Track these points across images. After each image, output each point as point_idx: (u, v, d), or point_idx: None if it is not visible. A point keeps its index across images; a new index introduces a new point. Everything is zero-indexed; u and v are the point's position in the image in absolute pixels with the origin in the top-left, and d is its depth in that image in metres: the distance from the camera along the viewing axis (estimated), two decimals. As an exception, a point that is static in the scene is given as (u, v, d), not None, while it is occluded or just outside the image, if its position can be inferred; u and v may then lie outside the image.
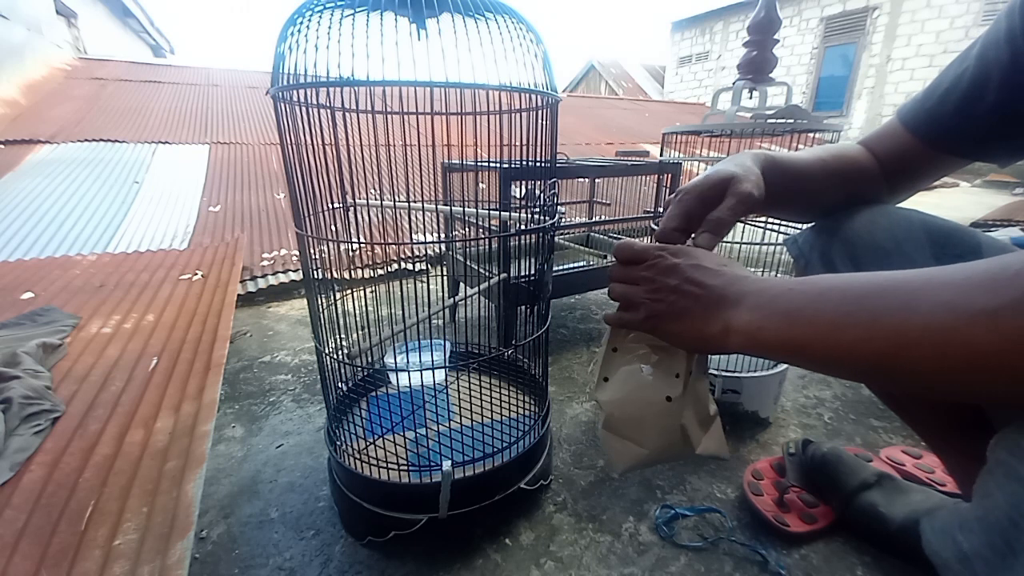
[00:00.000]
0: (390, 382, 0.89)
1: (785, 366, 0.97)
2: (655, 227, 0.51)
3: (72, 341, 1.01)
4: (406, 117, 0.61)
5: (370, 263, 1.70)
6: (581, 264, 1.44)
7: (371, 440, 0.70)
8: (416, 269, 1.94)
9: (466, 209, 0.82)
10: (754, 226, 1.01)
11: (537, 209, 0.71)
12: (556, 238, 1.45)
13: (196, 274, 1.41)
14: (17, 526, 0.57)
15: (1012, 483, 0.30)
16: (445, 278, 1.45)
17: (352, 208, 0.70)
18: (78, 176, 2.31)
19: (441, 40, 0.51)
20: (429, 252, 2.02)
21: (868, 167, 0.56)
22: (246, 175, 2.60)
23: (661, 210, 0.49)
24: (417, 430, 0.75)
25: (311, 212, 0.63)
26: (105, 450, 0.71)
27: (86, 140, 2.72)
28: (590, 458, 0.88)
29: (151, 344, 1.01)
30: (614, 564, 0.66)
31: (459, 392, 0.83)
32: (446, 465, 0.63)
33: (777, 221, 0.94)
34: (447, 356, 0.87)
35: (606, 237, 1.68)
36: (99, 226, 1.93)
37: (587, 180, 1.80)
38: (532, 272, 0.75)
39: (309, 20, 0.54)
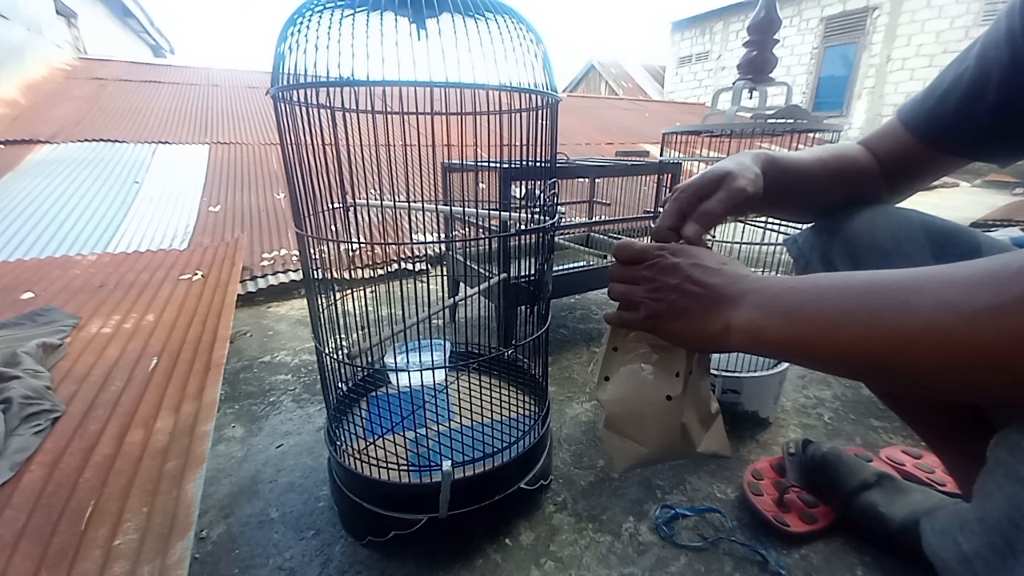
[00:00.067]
0: (390, 382, 0.89)
1: (785, 366, 0.97)
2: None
3: (72, 341, 1.01)
4: (406, 117, 0.61)
5: (370, 263, 1.70)
6: (581, 264, 1.44)
7: (371, 440, 0.70)
8: (416, 269, 1.94)
9: (466, 209, 0.82)
10: (754, 226, 1.01)
11: (537, 209, 0.71)
12: (556, 238, 1.45)
13: (196, 274, 1.41)
14: (17, 526, 0.57)
15: (1012, 484, 0.30)
16: (445, 278, 1.45)
17: (352, 208, 0.70)
18: (78, 176, 2.31)
19: (441, 40, 0.51)
20: (429, 252, 2.02)
21: (868, 167, 0.56)
22: (246, 175, 2.60)
23: (660, 210, 0.49)
24: (417, 430, 0.75)
25: (311, 212, 0.63)
26: (105, 450, 0.71)
27: (86, 140, 2.72)
28: (590, 458, 0.88)
29: (151, 344, 1.01)
30: (614, 564, 0.66)
31: (459, 392, 0.83)
32: (446, 465, 0.63)
33: (777, 221, 0.94)
34: (447, 356, 0.87)
35: (606, 237, 1.68)
36: (99, 226, 1.93)
37: (587, 180, 1.80)
38: (532, 272, 0.75)
39: (309, 20, 0.54)
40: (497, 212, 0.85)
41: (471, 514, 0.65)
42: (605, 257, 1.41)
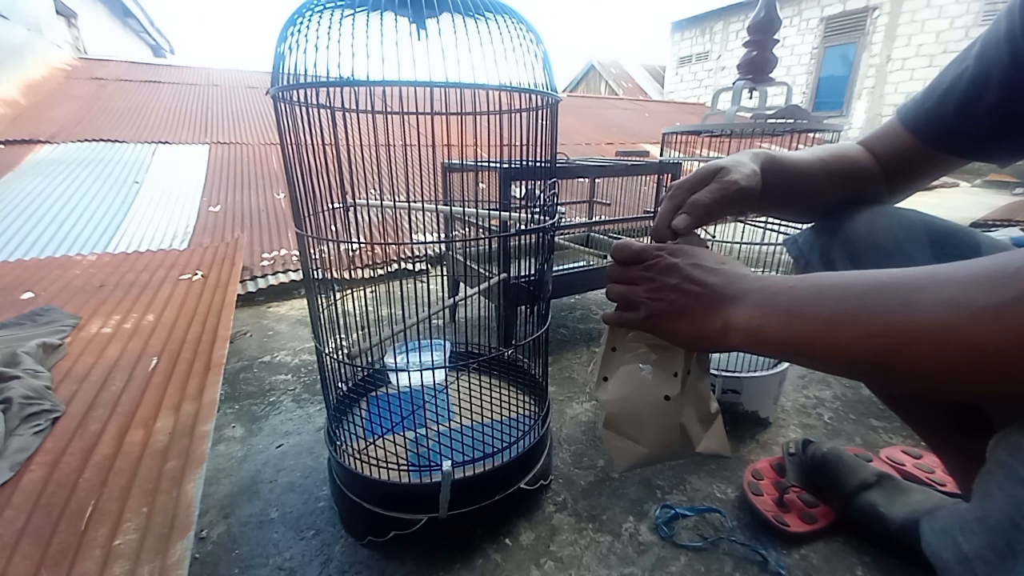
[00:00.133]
0: (390, 382, 0.89)
1: (785, 366, 0.97)
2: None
3: (72, 341, 1.01)
4: (406, 117, 0.61)
5: (370, 263, 1.70)
6: (581, 264, 1.44)
7: (371, 440, 0.70)
8: (416, 269, 1.94)
9: (466, 209, 0.82)
10: (754, 226, 1.01)
11: (537, 209, 0.71)
12: (556, 238, 1.45)
13: (196, 274, 1.41)
14: (17, 526, 0.57)
15: (1012, 484, 0.30)
16: (445, 278, 1.45)
17: (352, 208, 0.70)
18: (78, 176, 2.31)
19: (441, 40, 0.51)
20: (429, 252, 2.02)
21: (868, 167, 0.56)
22: (246, 175, 2.60)
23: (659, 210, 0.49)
24: (417, 430, 0.75)
25: (311, 212, 0.63)
26: (105, 450, 0.71)
27: (86, 140, 2.72)
28: (590, 458, 0.88)
29: (151, 344, 1.01)
30: (614, 564, 0.66)
31: (459, 392, 0.83)
32: (446, 465, 0.63)
33: (777, 221, 0.94)
34: (447, 356, 0.87)
35: (606, 237, 1.68)
36: (99, 226, 1.93)
37: (587, 180, 1.80)
38: (532, 272, 0.75)
39: (309, 20, 0.54)
40: (497, 212, 0.85)
41: (471, 514, 0.65)
42: (605, 257, 1.41)
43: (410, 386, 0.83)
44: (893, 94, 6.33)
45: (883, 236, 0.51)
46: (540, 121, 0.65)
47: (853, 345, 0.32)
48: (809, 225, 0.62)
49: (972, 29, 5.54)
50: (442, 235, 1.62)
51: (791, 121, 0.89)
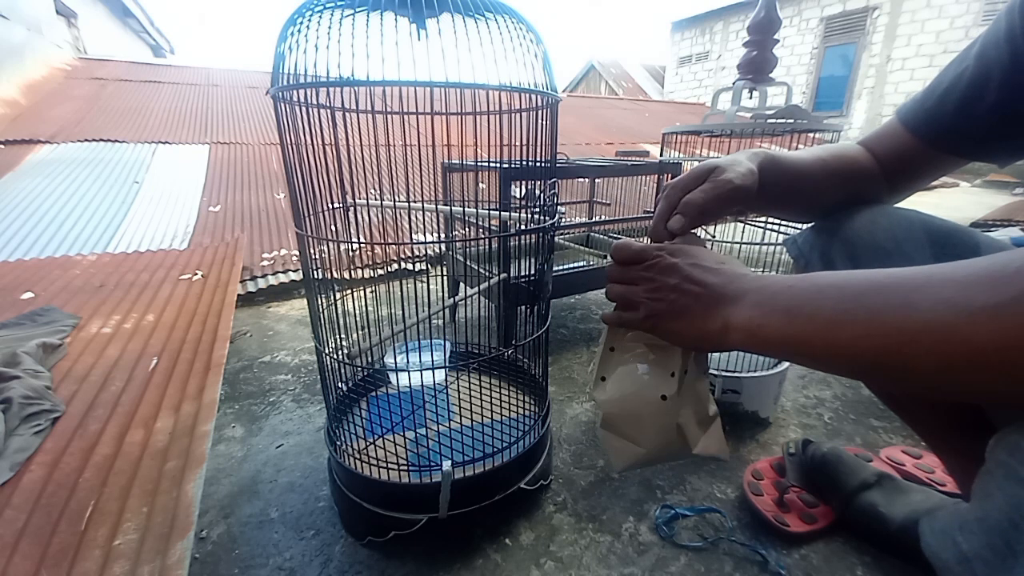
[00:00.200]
0: (390, 382, 0.89)
1: (785, 366, 0.97)
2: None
3: (72, 341, 1.01)
4: (406, 117, 0.61)
5: (370, 263, 1.70)
6: (581, 264, 1.44)
7: (371, 440, 0.70)
8: (416, 269, 1.94)
9: (466, 209, 0.82)
10: (754, 226, 1.01)
11: (537, 209, 0.71)
12: (556, 238, 1.45)
13: (196, 274, 1.41)
14: (17, 526, 0.57)
15: (1012, 484, 0.30)
16: (445, 278, 1.45)
17: (352, 208, 0.70)
18: (78, 176, 2.31)
19: (441, 40, 0.51)
20: (429, 252, 2.02)
21: (868, 167, 0.56)
22: (246, 175, 2.60)
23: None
24: (417, 430, 0.75)
25: (311, 212, 0.63)
26: (105, 450, 0.71)
27: (86, 140, 2.72)
28: (590, 458, 0.88)
29: (151, 344, 1.01)
30: (614, 564, 0.66)
31: (459, 392, 0.83)
32: (446, 465, 0.63)
33: (777, 221, 0.94)
34: (447, 356, 0.87)
35: (606, 237, 1.68)
36: (99, 226, 1.93)
37: (587, 180, 1.80)
38: (532, 272, 0.75)
39: (309, 20, 0.54)
40: (497, 212, 0.85)
41: (471, 514, 0.65)
42: (605, 257, 1.41)
43: (410, 386, 0.83)
44: (893, 94, 6.33)
45: (883, 236, 0.51)
46: (540, 121, 0.65)
47: (853, 344, 0.32)
48: (809, 225, 0.62)
49: (972, 29, 5.54)
50: (442, 235, 1.62)
51: (791, 121, 0.89)
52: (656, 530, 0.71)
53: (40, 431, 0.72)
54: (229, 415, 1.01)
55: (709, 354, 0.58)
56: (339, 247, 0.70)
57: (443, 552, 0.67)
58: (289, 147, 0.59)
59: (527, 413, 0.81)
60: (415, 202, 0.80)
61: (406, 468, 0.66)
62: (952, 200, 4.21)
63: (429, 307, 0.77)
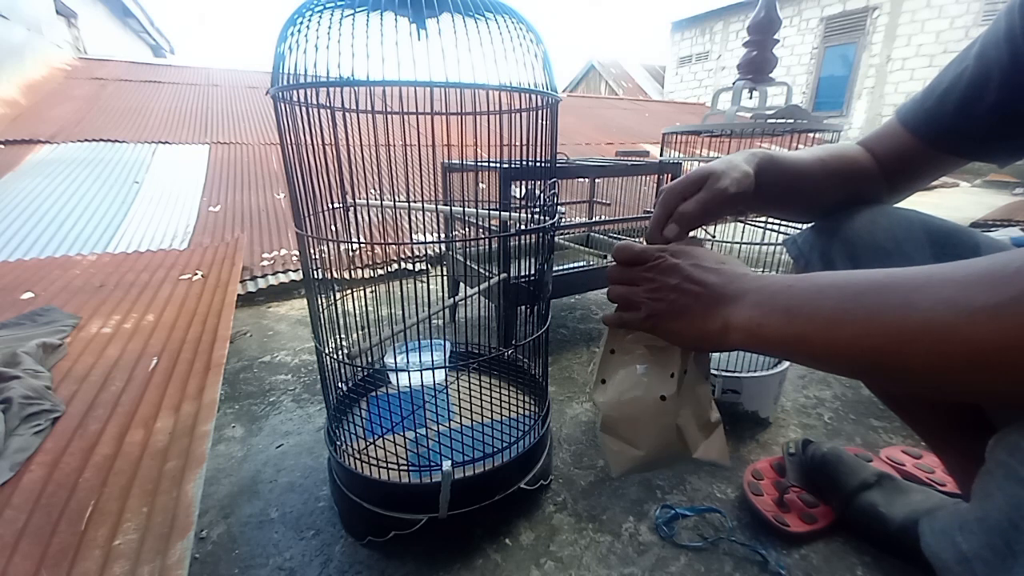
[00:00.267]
0: (390, 382, 0.89)
1: (785, 366, 0.97)
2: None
3: (72, 341, 1.01)
4: (406, 117, 0.61)
5: (370, 263, 1.70)
6: (581, 264, 1.44)
7: (371, 440, 0.70)
8: (416, 269, 1.94)
9: (466, 209, 0.82)
10: (754, 226, 1.01)
11: (537, 209, 0.71)
12: (556, 238, 1.45)
13: (196, 274, 1.41)
14: (17, 526, 0.57)
15: (1012, 484, 0.30)
16: (445, 278, 1.45)
17: (352, 208, 0.70)
18: (78, 176, 2.31)
19: (441, 40, 0.51)
20: (429, 252, 2.02)
21: (867, 167, 0.56)
22: (246, 175, 2.60)
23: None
24: (417, 430, 0.75)
25: (311, 212, 0.63)
26: (105, 450, 0.71)
27: (86, 140, 2.72)
28: (590, 458, 0.88)
29: (151, 344, 1.01)
30: (614, 564, 0.66)
31: (459, 392, 0.83)
32: (446, 465, 0.63)
33: (777, 221, 0.94)
34: (447, 356, 0.87)
35: (606, 237, 1.68)
36: (99, 226, 1.93)
37: (587, 180, 1.80)
38: (532, 272, 0.75)
39: (309, 20, 0.54)
40: (497, 212, 0.85)
41: (471, 514, 0.65)
42: (605, 257, 1.41)
43: (410, 386, 0.83)
44: (893, 94, 6.33)
45: (883, 236, 0.51)
46: (540, 121, 0.65)
47: (852, 344, 0.32)
48: (809, 225, 0.62)
49: (972, 29, 5.54)
50: (442, 235, 1.62)
51: (791, 121, 0.89)
52: (656, 530, 0.71)
53: (40, 431, 0.72)
54: (229, 415, 1.01)
55: (710, 359, 0.58)
56: (339, 247, 0.70)
57: (443, 552, 0.67)
58: (289, 147, 0.59)
59: (527, 413, 0.81)
60: (415, 202, 0.80)
61: (406, 468, 0.66)
62: (952, 200, 4.21)
63: (429, 307, 0.77)
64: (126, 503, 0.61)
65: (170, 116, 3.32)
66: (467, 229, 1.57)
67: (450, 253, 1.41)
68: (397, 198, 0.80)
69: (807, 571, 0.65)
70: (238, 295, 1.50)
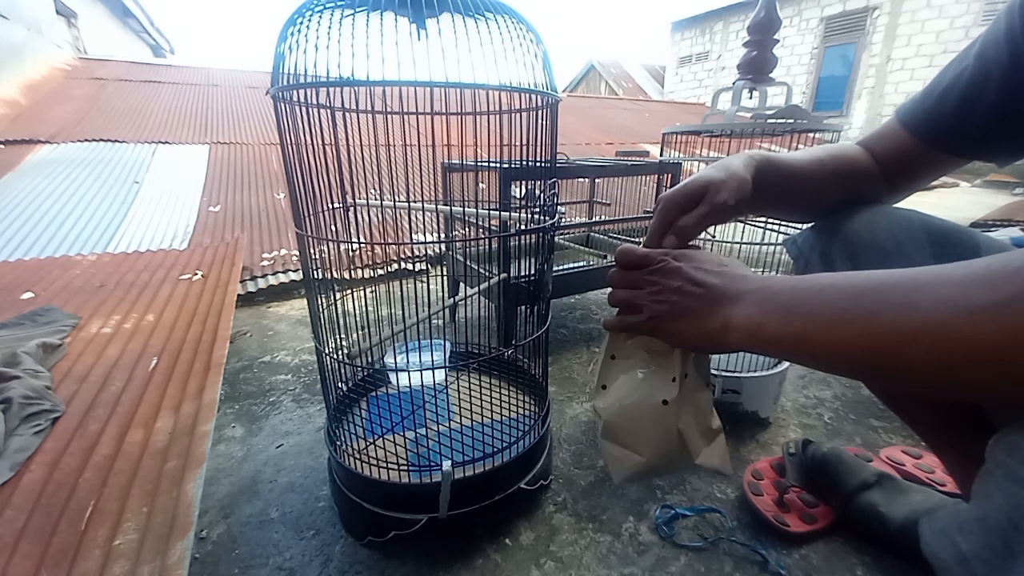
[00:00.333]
0: (390, 382, 0.89)
1: (785, 366, 0.97)
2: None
3: (72, 341, 1.01)
4: (406, 117, 0.61)
5: (370, 263, 1.70)
6: (581, 264, 1.44)
7: (371, 440, 0.70)
8: (416, 269, 1.94)
9: (466, 209, 0.82)
10: (754, 226, 1.01)
11: (537, 209, 0.71)
12: (556, 238, 1.45)
13: (196, 274, 1.41)
14: (17, 526, 0.57)
15: (1012, 485, 0.30)
16: (445, 278, 1.45)
17: (352, 208, 0.70)
18: (78, 176, 2.31)
19: (441, 40, 0.51)
20: (429, 252, 2.02)
21: (867, 167, 0.56)
22: (246, 175, 2.60)
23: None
24: (417, 430, 0.75)
25: (311, 212, 0.63)
26: (105, 450, 0.71)
27: (86, 140, 2.72)
28: (590, 458, 0.88)
29: (151, 344, 1.01)
30: (614, 564, 0.66)
31: (459, 392, 0.83)
32: (446, 465, 0.63)
33: (777, 221, 0.94)
34: (447, 356, 0.87)
35: (606, 237, 1.68)
36: (99, 226, 1.93)
37: (587, 180, 1.80)
38: (532, 272, 0.75)
39: (309, 20, 0.54)
40: (497, 212, 0.85)
41: (471, 514, 0.65)
42: (605, 257, 1.41)
43: (410, 386, 0.83)
44: (893, 94, 6.33)
45: (883, 236, 0.51)
46: (540, 121, 0.65)
47: (852, 344, 0.32)
48: (809, 225, 0.62)
49: (972, 29, 5.54)
50: (442, 235, 1.62)
51: (791, 121, 0.89)
52: (656, 530, 0.71)
53: (40, 431, 0.72)
54: (229, 415, 1.01)
55: (710, 362, 0.58)
56: (339, 247, 0.70)
57: (443, 552, 0.67)
58: (289, 147, 0.59)
59: (527, 413, 0.81)
60: (415, 202, 0.80)
61: (406, 468, 0.66)
62: (952, 200, 4.21)
63: (429, 307, 0.77)
64: (126, 503, 0.61)
65: (170, 116, 3.32)
66: (467, 229, 1.57)
67: (450, 253, 1.41)
68: (397, 198, 0.80)
69: (807, 571, 0.65)
70: (238, 295, 1.50)
